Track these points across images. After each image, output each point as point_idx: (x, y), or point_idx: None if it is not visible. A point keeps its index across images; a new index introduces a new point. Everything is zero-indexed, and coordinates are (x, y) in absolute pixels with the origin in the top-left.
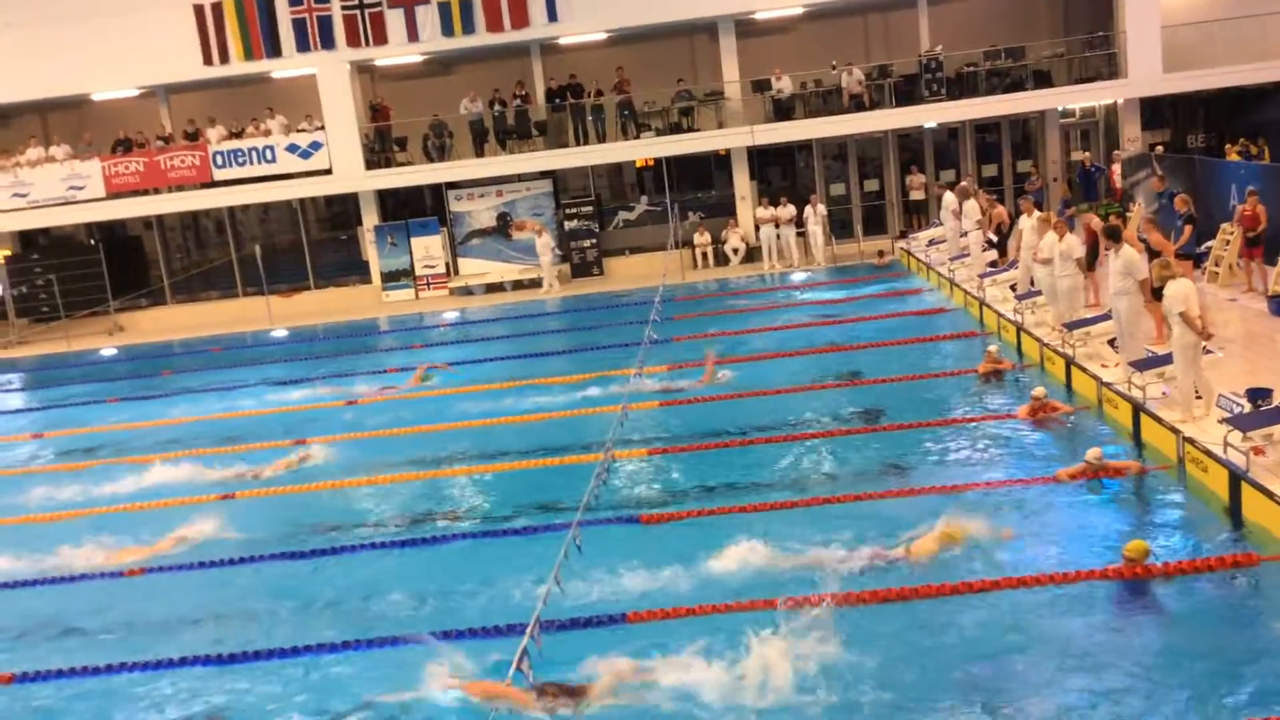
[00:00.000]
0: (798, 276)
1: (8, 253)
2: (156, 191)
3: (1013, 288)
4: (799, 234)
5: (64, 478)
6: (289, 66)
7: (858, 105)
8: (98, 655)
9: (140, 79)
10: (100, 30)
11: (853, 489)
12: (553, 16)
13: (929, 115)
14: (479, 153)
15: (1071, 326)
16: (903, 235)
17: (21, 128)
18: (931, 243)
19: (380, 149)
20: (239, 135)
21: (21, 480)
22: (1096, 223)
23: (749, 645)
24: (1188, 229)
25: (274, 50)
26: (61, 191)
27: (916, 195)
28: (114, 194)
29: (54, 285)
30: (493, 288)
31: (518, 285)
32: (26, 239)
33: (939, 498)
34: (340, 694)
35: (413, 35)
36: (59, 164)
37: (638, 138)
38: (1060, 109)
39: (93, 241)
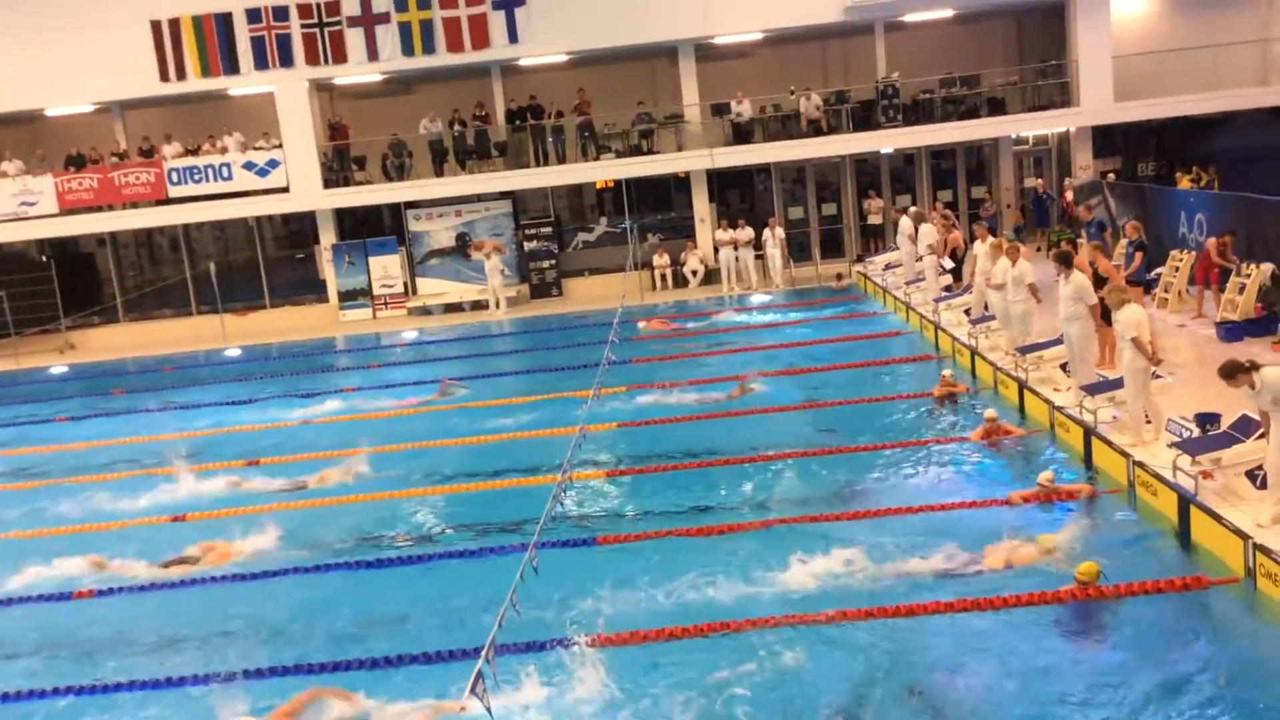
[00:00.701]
0: (756, 299)
1: None
2: (110, 208)
3: (967, 312)
4: (757, 256)
5: (8, 497)
6: (247, 84)
7: (816, 130)
8: (33, 679)
9: (95, 95)
10: (55, 45)
11: (808, 510)
12: (513, 38)
13: (885, 141)
14: (438, 172)
15: (1024, 351)
16: (860, 259)
17: None
18: (888, 266)
19: (339, 168)
20: (195, 152)
21: None
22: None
23: (706, 664)
24: (1138, 256)
25: (232, 67)
26: (13, 207)
27: (874, 219)
28: (67, 210)
29: (3, 302)
30: (451, 308)
31: (476, 305)
32: None
33: (894, 519)
34: None
35: (373, 54)
36: (11, 179)
37: (597, 159)
38: (1014, 136)
39: (44, 258)
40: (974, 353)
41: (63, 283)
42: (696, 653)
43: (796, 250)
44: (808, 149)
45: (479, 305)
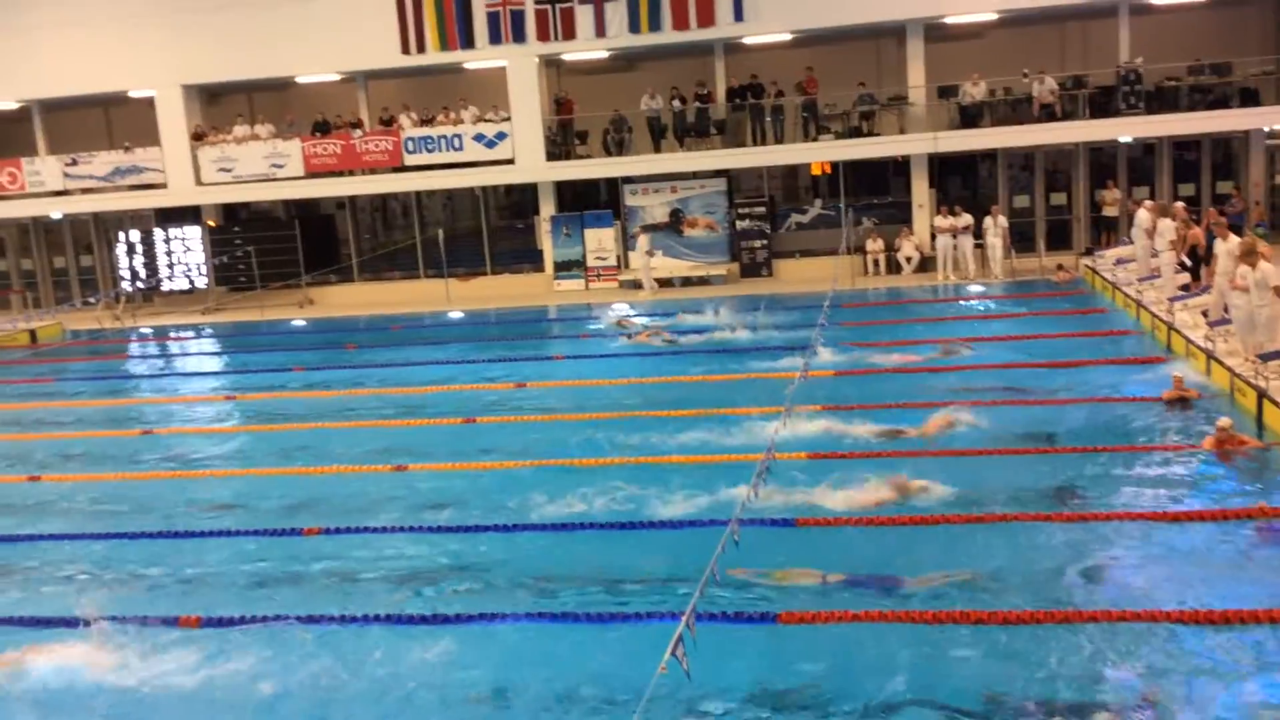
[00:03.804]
0: (973, 288)
1: (213, 224)
2: (350, 173)
3: (1204, 313)
4: (977, 245)
5: (251, 437)
6: (481, 58)
7: (1049, 115)
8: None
9: (342, 64)
10: (307, 17)
11: (1017, 508)
12: (739, 16)
13: (1125, 129)
14: (656, 148)
15: (1266, 358)
16: (1088, 252)
17: (230, 106)
18: (1119, 261)
19: (562, 141)
20: (430, 122)
21: (216, 437)
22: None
23: (897, 650)
24: None
25: (468, 42)
26: (264, 169)
27: (1109, 211)
28: (311, 173)
29: (252, 257)
30: (662, 282)
31: (686, 281)
32: (229, 212)
33: (1111, 524)
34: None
35: (600, 31)
36: (263, 142)
37: (816, 140)
38: (1267, 129)
39: (290, 218)
40: (1210, 357)
41: (305, 241)
42: (888, 637)
43: (1019, 240)
44: (1039, 135)
45: (689, 281)
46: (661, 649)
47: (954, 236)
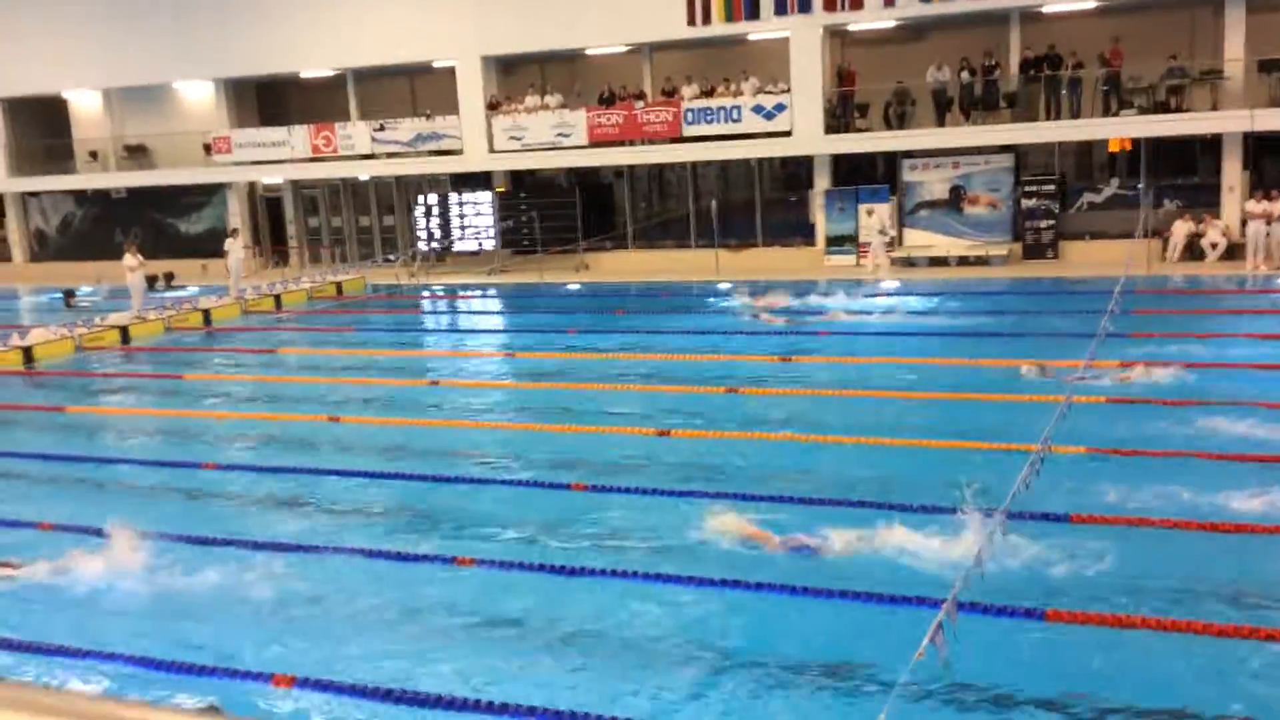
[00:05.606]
0: None
1: (502, 189)
2: (631, 143)
3: None
4: None
5: (526, 393)
6: (765, 29)
7: None
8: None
9: (629, 36)
10: None
11: None
12: None
13: None
14: (940, 122)
15: None
16: None
17: (523, 77)
18: None
19: (841, 114)
20: (710, 94)
21: (495, 391)
22: None
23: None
24: None
25: (753, 13)
26: (550, 137)
27: None
28: (594, 143)
29: (535, 222)
30: (936, 261)
31: (963, 261)
32: (516, 178)
33: None
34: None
35: (889, 0)
36: (551, 112)
37: (1117, 114)
38: None
39: (572, 185)
40: None
41: (584, 209)
42: (1167, 646)
43: None
44: None
45: (965, 261)
46: (921, 634)
47: (1268, 223)
